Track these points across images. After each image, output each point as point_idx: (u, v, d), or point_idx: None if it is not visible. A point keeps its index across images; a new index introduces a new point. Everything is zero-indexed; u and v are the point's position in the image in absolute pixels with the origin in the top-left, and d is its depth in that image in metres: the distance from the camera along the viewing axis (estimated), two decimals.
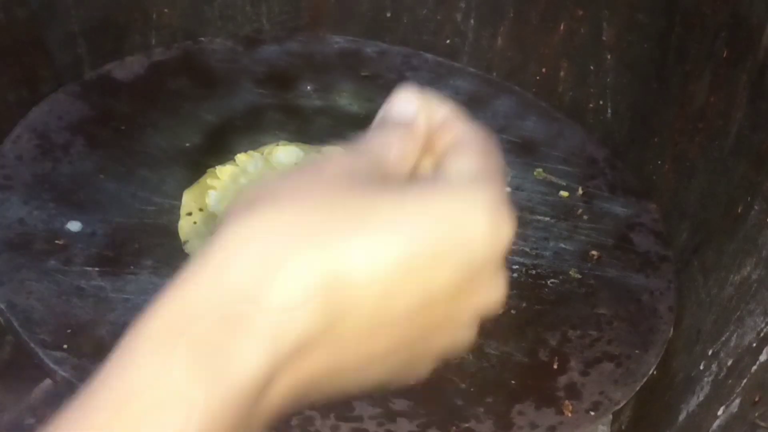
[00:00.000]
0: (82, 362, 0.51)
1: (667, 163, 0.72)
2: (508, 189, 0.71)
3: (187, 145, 0.69)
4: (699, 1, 0.67)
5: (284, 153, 0.69)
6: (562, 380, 0.55)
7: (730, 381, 0.51)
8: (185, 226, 0.62)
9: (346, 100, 0.77)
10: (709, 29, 0.66)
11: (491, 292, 0.32)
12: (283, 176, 0.30)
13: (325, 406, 0.51)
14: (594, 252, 0.65)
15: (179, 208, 0.63)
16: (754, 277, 0.54)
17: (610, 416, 0.65)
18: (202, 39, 0.81)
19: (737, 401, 0.49)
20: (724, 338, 0.55)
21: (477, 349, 0.56)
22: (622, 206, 0.71)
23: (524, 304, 0.60)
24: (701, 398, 0.55)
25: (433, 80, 0.82)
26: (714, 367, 0.55)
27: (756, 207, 0.56)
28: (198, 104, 0.73)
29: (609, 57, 0.79)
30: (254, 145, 0.69)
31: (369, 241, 0.27)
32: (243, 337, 0.26)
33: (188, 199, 0.64)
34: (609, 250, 0.66)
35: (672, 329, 0.60)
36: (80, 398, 0.26)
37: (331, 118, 0.75)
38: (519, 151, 0.75)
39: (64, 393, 0.52)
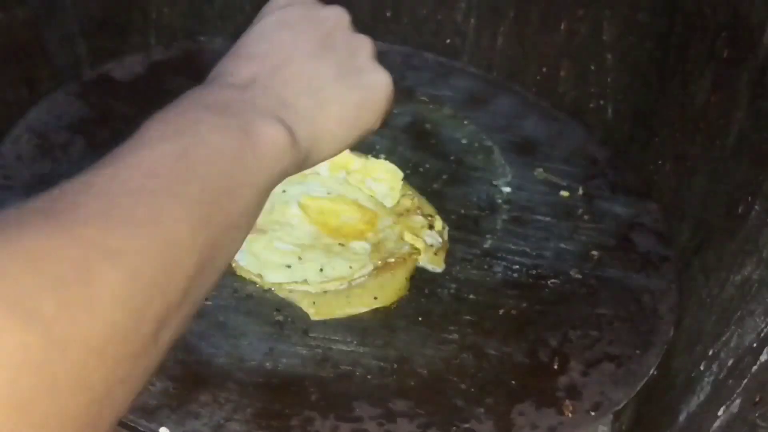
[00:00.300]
0: None
1: (667, 163, 0.72)
2: (509, 189, 0.71)
3: None
4: (699, 1, 0.67)
5: None
6: (563, 380, 0.55)
7: (730, 381, 0.51)
8: None
9: None
10: (709, 29, 0.66)
11: (359, 44, 0.45)
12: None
13: (325, 406, 0.51)
14: (595, 252, 0.65)
15: None
16: (754, 277, 0.54)
17: (611, 416, 0.64)
18: (202, 39, 0.81)
19: (738, 401, 0.49)
20: (724, 338, 0.54)
21: (477, 349, 0.56)
22: (622, 206, 0.70)
23: (524, 304, 0.60)
24: (702, 398, 0.55)
25: (433, 80, 0.82)
26: (714, 367, 0.54)
27: (757, 207, 0.56)
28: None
29: (609, 57, 0.79)
30: None
31: None
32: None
33: None
34: (610, 250, 0.66)
35: (672, 329, 0.60)
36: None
37: None
38: (519, 151, 0.75)
39: None
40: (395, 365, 0.54)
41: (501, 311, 0.59)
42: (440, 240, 0.63)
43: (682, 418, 0.56)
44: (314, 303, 0.57)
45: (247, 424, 0.49)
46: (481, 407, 0.52)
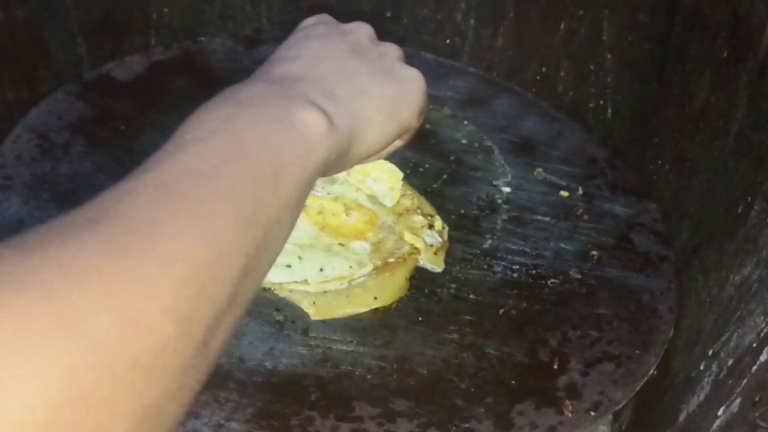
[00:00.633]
0: None
1: (667, 163, 0.72)
2: (509, 189, 0.71)
3: None
4: (699, 1, 0.67)
5: None
6: (563, 380, 0.55)
7: (730, 381, 0.51)
8: None
9: None
10: (709, 29, 0.66)
11: (386, 50, 0.47)
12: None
13: (325, 406, 0.51)
14: (594, 252, 0.65)
15: None
16: (754, 277, 0.54)
17: (611, 416, 0.65)
18: (202, 39, 0.81)
19: (738, 401, 0.49)
20: (724, 338, 0.54)
21: (477, 349, 0.56)
22: (622, 206, 0.70)
23: (524, 304, 0.60)
24: (701, 398, 0.55)
25: (433, 80, 0.82)
26: (714, 367, 0.54)
27: (756, 207, 0.56)
28: (198, 104, 0.72)
29: (609, 57, 0.79)
30: None
31: None
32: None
33: None
34: (609, 250, 0.66)
35: (672, 329, 0.60)
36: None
37: None
38: (519, 151, 0.75)
39: None
40: (395, 365, 0.54)
41: (501, 311, 0.59)
42: (440, 240, 0.64)
43: (681, 418, 0.56)
44: (314, 303, 0.57)
45: (247, 424, 0.49)
46: (481, 407, 0.52)
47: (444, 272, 0.62)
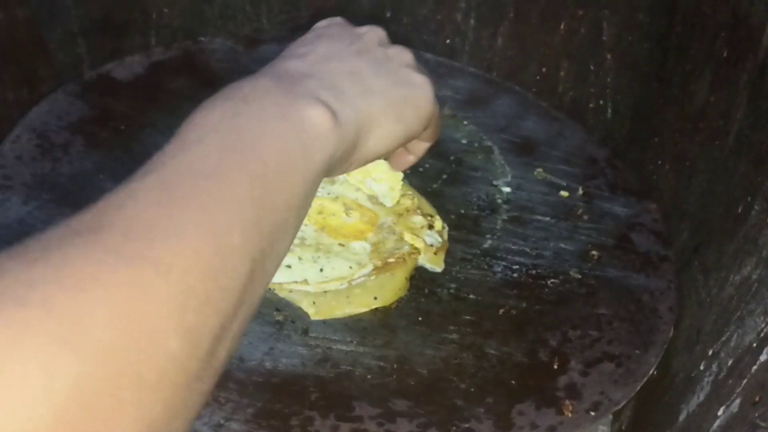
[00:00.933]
0: None
1: (667, 163, 0.72)
2: (508, 189, 0.71)
3: None
4: (699, 1, 0.67)
5: None
6: (563, 380, 0.55)
7: (730, 381, 0.51)
8: None
9: None
10: (709, 29, 0.66)
11: (397, 53, 0.46)
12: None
13: (325, 406, 0.51)
14: (594, 252, 0.65)
15: None
16: (754, 277, 0.54)
17: (611, 416, 0.65)
18: (202, 39, 0.81)
19: (737, 401, 0.49)
20: (724, 338, 0.54)
21: (477, 349, 0.56)
22: (622, 206, 0.71)
23: (524, 304, 0.60)
24: (701, 398, 0.55)
25: (433, 80, 0.82)
26: (714, 367, 0.54)
27: (756, 207, 0.56)
28: (198, 104, 0.72)
29: (609, 57, 0.79)
30: None
31: None
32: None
33: None
34: (609, 250, 0.66)
35: (672, 329, 0.60)
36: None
37: None
38: (519, 151, 0.75)
39: None
40: (395, 365, 0.54)
41: (501, 311, 0.59)
42: (440, 240, 0.64)
43: (681, 418, 0.56)
44: (314, 303, 0.57)
45: (247, 424, 0.49)
46: (481, 407, 0.52)
47: (444, 272, 0.62)
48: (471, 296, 0.60)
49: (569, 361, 0.56)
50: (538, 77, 0.85)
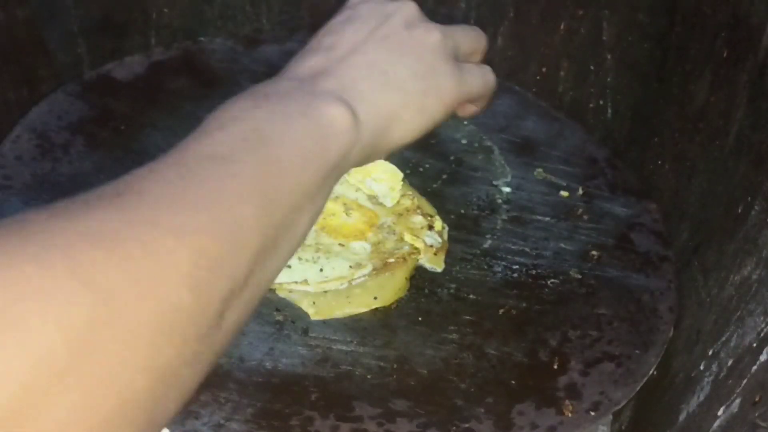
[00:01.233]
0: None
1: (667, 163, 0.72)
2: (508, 189, 0.71)
3: None
4: (699, 1, 0.67)
5: None
6: (563, 380, 0.55)
7: (730, 381, 0.51)
8: None
9: None
10: (709, 29, 0.66)
11: (425, 36, 0.46)
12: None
13: (325, 406, 0.51)
14: (594, 252, 0.65)
15: None
16: (754, 277, 0.54)
17: (611, 416, 0.64)
18: (202, 39, 0.81)
19: (737, 401, 0.49)
20: (724, 338, 0.54)
21: (477, 349, 0.56)
22: (622, 206, 0.70)
23: (524, 304, 0.60)
24: (701, 398, 0.55)
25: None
26: (714, 367, 0.54)
27: (756, 207, 0.56)
28: (198, 104, 0.73)
29: (609, 57, 0.79)
30: None
31: None
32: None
33: None
34: (609, 250, 0.66)
35: (672, 329, 0.60)
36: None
37: None
38: (519, 151, 0.75)
39: None
40: (395, 365, 0.54)
41: (501, 311, 0.59)
42: (440, 240, 0.64)
43: (681, 418, 0.56)
44: (314, 303, 0.57)
45: (247, 424, 0.49)
46: (481, 407, 0.52)
47: (444, 272, 0.62)
48: (471, 296, 0.60)
49: (569, 361, 0.56)
50: (538, 77, 0.84)
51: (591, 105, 0.81)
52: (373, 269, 0.59)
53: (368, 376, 0.53)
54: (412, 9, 0.47)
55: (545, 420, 0.52)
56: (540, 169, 0.73)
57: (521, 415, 0.52)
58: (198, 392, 0.50)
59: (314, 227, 0.61)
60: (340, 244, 0.61)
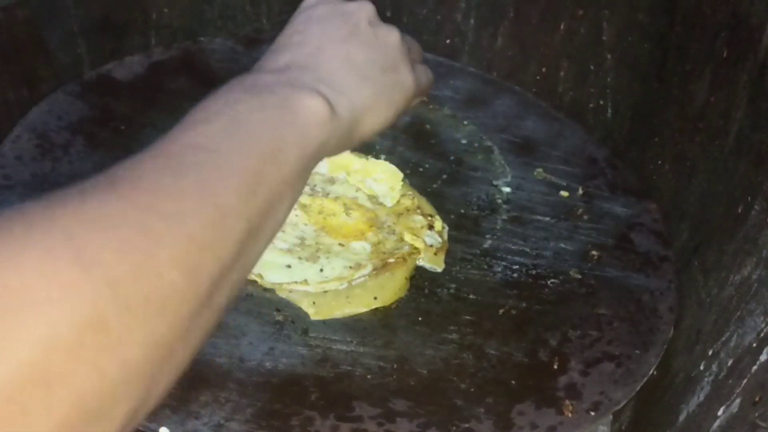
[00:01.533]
0: None
1: (667, 163, 0.72)
2: (508, 189, 0.71)
3: None
4: (699, 1, 0.67)
5: None
6: (563, 380, 0.55)
7: (730, 381, 0.51)
8: None
9: None
10: (709, 29, 0.66)
11: (385, 35, 0.48)
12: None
13: (325, 406, 0.51)
14: (594, 252, 0.65)
15: None
16: (754, 277, 0.54)
17: (611, 416, 0.64)
18: (202, 39, 0.81)
19: (737, 401, 0.49)
20: (724, 338, 0.54)
21: (477, 349, 0.56)
22: (622, 206, 0.70)
23: (524, 304, 0.60)
24: (701, 398, 0.55)
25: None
26: (714, 367, 0.55)
27: (756, 207, 0.56)
28: (198, 104, 0.72)
29: (609, 57, 0.79)
30: None
31: None
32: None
33: None
34: (609, 250, 0.66)
35: (672, 329, 0.60)
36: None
37: None
38: (519, 151, 0.75)
39: None
40: (395, 365, 0.54)
41: (501, 311, 0.59)
42: (440, 240, 0.64)
43: (681, 417, 0.56)
44: (314, 303, 0.57)
45: (247, 424, 0.49)
46: (481, 407, 0.52)
47: (444, 272, 0.62)
48: (471, 296, 0.60)
49: (569, 361, 0.56)
50: (538, 77, 0.85)
51: (591, 105, 0.81)
52: (373, 269, 0.59)
53: (368, 376, 0.53)
54: (371, 9, 0.49)
55: (545, 420, 0.52)
56: (540, 169, 0.73)
57: (521, 415, 0.52)
58: (198, 392, 0.50)
59: (314, 227, 0.62)
60: (340, 244, 0.61)
